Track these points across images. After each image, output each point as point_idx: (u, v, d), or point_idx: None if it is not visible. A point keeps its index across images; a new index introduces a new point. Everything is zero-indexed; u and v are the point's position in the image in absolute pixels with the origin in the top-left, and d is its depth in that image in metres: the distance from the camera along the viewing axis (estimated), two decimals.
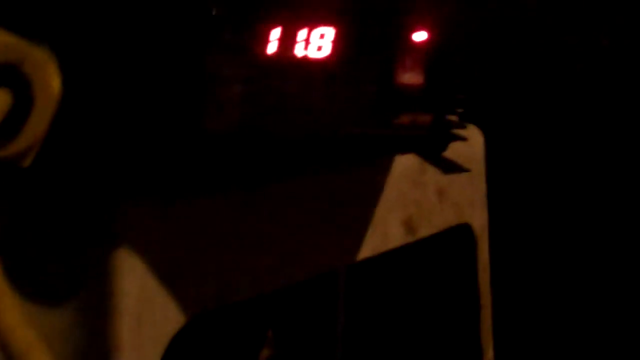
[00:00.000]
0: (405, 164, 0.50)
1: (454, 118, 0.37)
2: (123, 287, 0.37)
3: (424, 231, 0.51)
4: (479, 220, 0.56)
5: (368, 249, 0.48)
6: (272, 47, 0.35)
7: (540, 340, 0.73)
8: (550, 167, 0.74)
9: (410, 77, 0.36)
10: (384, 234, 0.49)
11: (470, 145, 0.52)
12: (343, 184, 0.47)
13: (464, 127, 0.38)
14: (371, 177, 0.49)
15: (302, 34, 0.36)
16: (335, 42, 0.36)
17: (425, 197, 0.51)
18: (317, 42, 0.36)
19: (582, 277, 0.74)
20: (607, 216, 0.73)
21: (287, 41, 0.35)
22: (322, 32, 0.36)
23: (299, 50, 0.36)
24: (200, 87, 0.35)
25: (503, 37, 0.39)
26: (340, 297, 0.59)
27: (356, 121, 0.36)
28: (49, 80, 0.30)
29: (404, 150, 0.40)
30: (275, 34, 0.35)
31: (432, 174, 0.52)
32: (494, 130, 0.55)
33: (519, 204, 0.73)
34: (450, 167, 0.39)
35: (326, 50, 0.36)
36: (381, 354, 0.60)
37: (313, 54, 0.36)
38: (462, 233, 0.55)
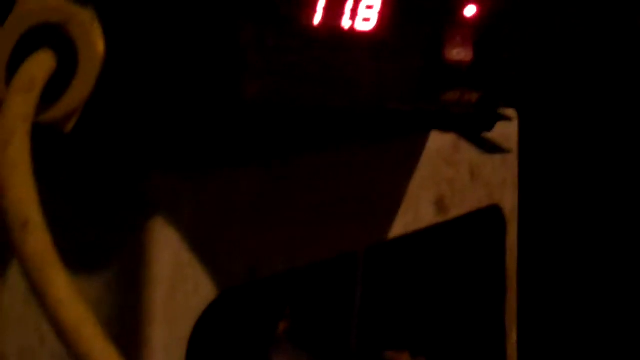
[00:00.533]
0: (439, 141, 0.49)
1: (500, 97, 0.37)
2: (158, 257, 0.37)
3: (455, 211, 0.51)
4: (509, 202, 0.55)
5: (399, 227, 0.48)
6: (317, 18, 0.34)
7: (565, 324, 0.73)
8: (583, 152, 0.73)
9: (459, 53, 0.35)
10: (416, 212, 0.48)
11: (506, 125, 0.51)
12: (377, 159, 0.46)
13: (509, 107, 0.37)
14: (405, 154, 0.48)
15: (348, 4, 0.35)
16: (382, 14, 0.35)
17: (458, 176, 0.51)
18: (364, 13, 0.35)
19: (609, 266, 0.73)
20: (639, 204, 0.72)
21: (333, 11, 0.35)
22: (369, 3, 0.35)
23: (345, 22, 0.35)
24: (241, 56, 0.34)
25: (543, 17, 0.38)
26: (359, 275, 0.59)
27: (401, 96, 0.35)
28: (94, 42, 0.30)
29: (448, 129, 0.39)
30: (321, 3, 0.34)
31: (466, 153, 0.51)
32: (528, 111, 0.54)
33: (549, 188, 0.72)
34: (492, 148, 0.38)
35: (373, 22, 0.35)
36: (400, 333, 0.60)
37: (360, 25, 0.35)
38: (491, 214, 0.54)
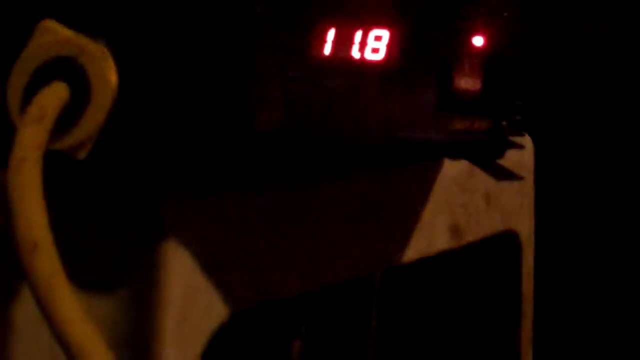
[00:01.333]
0: (453, 167, 0.50)
1: (510, 125, 0.37)
2: (170, 279, 0.38)
3: (470, 236, 0.51)
4: (525, 228, 0.55)
5: (413, 252, 0.48)
6: (327, 48, 0.35)
7: (580, 350, 0.72)
8: (598, 176, 0.72)
9: (468, 82, 0.36)
10: (430, 237, 0.49)
11: (520, 152, 0.51)
12: (390, 185, 0.47)
13: (521, 135, 0.37)
14: (419, 179, 0.48)
15: (357, 35, 0.35)
16: (390, 45, 0.36)
17: (472, 202, 0.51)
18: (373, 44, 0.36)
19: (626, 291, 0.73)
20: None
21: (343, 42, 0.35)
22: (378, 34, 0.36)
23: (355, 52, 0.35)
24: (252, 86, 0.35)
25: (554, 44, 0.38)
26: (375, 298, 0.59)
27: (411, 125, 0.36)
28: (106, 74, 0.31)
29: (459, 156, 0.39)
30: (331, 34, 0.35)
31: (481, 179, 0.51)
32: (543, 138, 0.54)
33: (565, 214, 0.72)
34: (504, 174, 0.38)
35: (382, 53, 0.36)
36: (415, 357, 0.60)
37: (369, 56, 0.36)
38: (507, 240, 0.54)
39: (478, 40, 0.36)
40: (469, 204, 0.51)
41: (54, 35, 0.30)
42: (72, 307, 0.22)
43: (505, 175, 0.40)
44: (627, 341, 0.72)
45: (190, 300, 0.39)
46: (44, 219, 0.24)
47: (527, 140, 0.53)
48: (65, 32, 0.30)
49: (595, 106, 0.59)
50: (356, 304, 0.54)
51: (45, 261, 0.23)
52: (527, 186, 0.55)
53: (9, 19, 0.32)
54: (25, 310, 0.36)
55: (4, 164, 0.38)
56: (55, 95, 0.29)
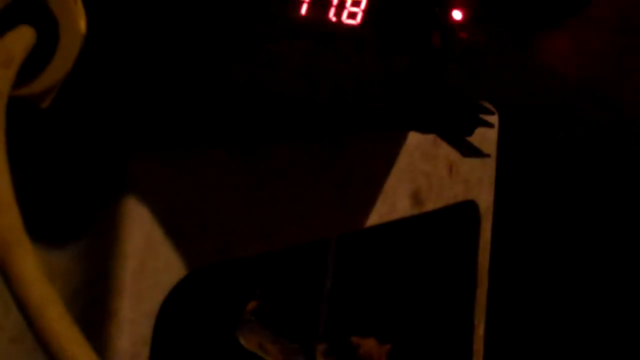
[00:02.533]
0: (419, 136, 0.50)
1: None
2: (129, 233, 0.37)
3: (431, 204, 0.51)
4: (485, 199, 0.56)
5: (374, 217, 0.48)
6: (304, 9, 0.35)
7: (532, 319, 0.74)
8: (560, 152, 0.73)
9: (443, 56, 0.35)
10: (392, 204, 0.49)
11: (484, 129, 0.51)
12: (355, 150, 0.46)
13: (492, 113, 0.37)
14: (384, 146, 0.48)
15: None
16: (368, 10, 0.35)
17: (435, 171, 0.51)
18: (350, 9, 0.35)
19: (582, 264, 0.74)
20: (613, 208, 0.73)
21: (320, 4, 0.35)
22: None
23: (332, 15, 0.35)
24: (227, 42, 0.34)
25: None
26: (331, 261, 0.59)
27: (383, 94, 0.36)
28: (75, 19, 0.30)
29: (428, 130, 0.39)
30: None
31: (444, 148, 0.51)
32: (507, 112, 0.54)
33: (525, 187, 0.73)
34: (470, 151, 0.38)
35: (359, 17, 0.35)
36: (368, 320, 0.61)
37: (346, 19, 0.35)
38: (467, 210, 0.55)
39: (457, 14, 0.36)
40: (431, 172, 0.51)
41: None
42: (32, 266, 0.22)
43: (471, 152, 0.40)
44: (579, 312, 0.74)
45: (149, 254, 0.38)
46: (6, 171, 0.23)
47: (494, 118, 0.53)
48: None
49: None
50: (312, 265, 0.54)
51: (7, 217, 0.22)
52: (490, 160, 0.55)
53: None
54: None
55: None
56: (22, 39, 0.27)
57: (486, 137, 0.53)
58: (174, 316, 0.41)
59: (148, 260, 0.38)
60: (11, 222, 0.23)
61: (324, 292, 0.56)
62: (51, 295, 0.22)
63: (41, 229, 0.36)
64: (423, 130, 0.40)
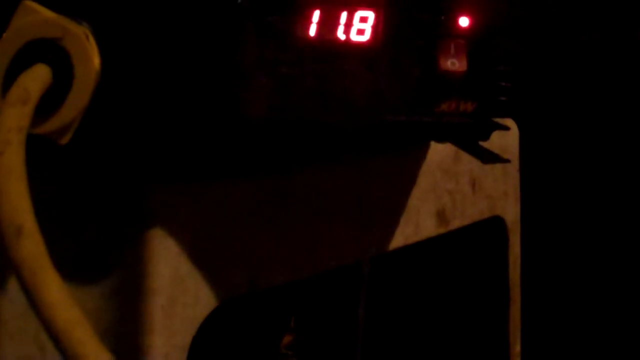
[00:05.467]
0: (439, 153, 0.50)
1: (495, 106, 0.37)
2: (157, 268, 0.37)
3: (457, 222, 0.51)
4: (511, 214, 0.55)
5: (400, 238, 0.48)
6: (312, 30, 0.35)
7: (568, 336, 0.72)
8: (583, 162, 0.73)
9: (454, 63, 0.35)
10: (417, 224, 0.49)
11: (504, 137, 0.51)
12: (377, 172, 0.46)
13: (505, 117, 0.37)
14: (405, 166, 0.48)
15: (343, 16, 0.35)
16: (376, 26, 0.35)
17: (458, 188, 0.51)
18: (359, 26, 0.35)
19: (611, 275, 0.73)
20: None
21: (328, 24, 0.35)
22: (364, 15, 0.35)
23: (340, 34, 0.35)
24: (238, 70, 0.34)
25: (540, 27, 0.38)
26: (364, 286, 0.59)
27: (397, 107, 0.36)
28: (89, 56, 0.30)
29: (445, 139, 0.39)
30: (316, 15, 0.35)
31: (467, 164, 0.51)
32: (529, 123, 0.54)
33: (551, 198, 0.72)
34: (489, 157, 0.38)
35: (367, 34, 0.35)
36: (404, 344, 0.60)
37: (355, 37, 0.35)
38: (494, 226, 0.54)
39: (464, 21, 0.36)
40: (454, 189, 0.51)
41: (36, 16, 0.29)
42: (58, 291, 0.22)
43: (490, 158, 0.40)
44: (614, 324, 0.72)
45: (177, 289, 0.38)
46: (28, 202, 0.23)
47: (512, 125, 0.53)
48: (48, 13, 0.29)
49: (581, 91, 0.59)
50: (344, 292, 0.54)
51: (31, 245, 0.22)
52: (513, 172, 0.55)
53: None
54: (11, 303, 0.35)
55: None
56: (38, 77, 0.28)
57: (507, 147, 0.53)
58: (207, 349, 0.41)
59: (177, 295, 0.38)
60: (35, 249, 0.23)
61: (358, 321, 0.55)
62: (77, 317, 0.22)
63: (69, 269, 0.37)
64: (440, 139, 0.40)
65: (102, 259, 0.37)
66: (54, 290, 0.21)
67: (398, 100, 0.36)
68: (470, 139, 0.37)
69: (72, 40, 0.30)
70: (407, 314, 0.58)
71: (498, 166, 0.51)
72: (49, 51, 0.30)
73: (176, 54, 0.34)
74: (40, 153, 0.30)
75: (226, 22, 0.34)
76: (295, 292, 0.52)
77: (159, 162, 0.38)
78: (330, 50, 0.35)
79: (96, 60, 0.31)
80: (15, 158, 0.24)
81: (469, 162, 0.51)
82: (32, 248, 0.22)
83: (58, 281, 0.22)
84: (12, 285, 0.35)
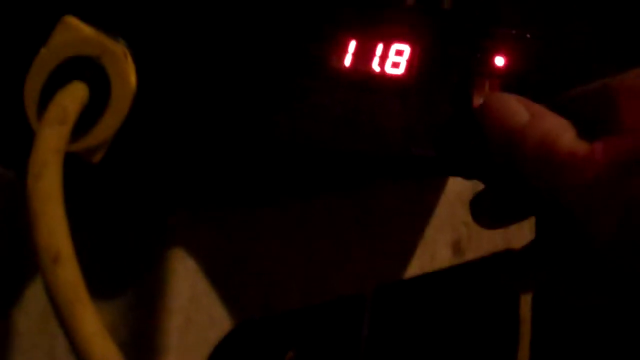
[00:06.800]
0: (458, 184, 0.49)
1: None
2: (175, 288, 0.37)
3: (471, 254, 0.51)
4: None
5: (416, 267, 0.48)
6: (348, 60, 0.35)
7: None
8: None
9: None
10: (433, 254, 0.48)
11: None
12: (396, 200, 0.46)
13: None
14: (425, 195, 0.48)
15: (379, 49, 0.35)
16: (411, 60, 0.35)
17: None
18: (394, 59, 0.35)
19: (628, 314, 0.73)
20: None
21: (364, 55, 0.35)
22: (400, 49, 0.35)
23: (375, 66, 0.35)
24: (272, 96, 0.34)
25: (575, 67, 0.38)
26: (367, 314, 0.58)
27: (427, 142, 0.35)
28: (127, 75, 0.30)
29: (472, 176, 0.39)
30: (352, 46, 0.35)
31: None
32: None
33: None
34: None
35: (402, 68, 0.35)
36: None
37: (389, 70, 0.35)
38: (507, 258, 0.54)
39: (499, 61, 0.36)
40: (471, 221, 0.50)
41: (75, 33, 0.29)
42: (94, 323, 0.21)
43: None
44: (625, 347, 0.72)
45: (194, 309, 0.38)
46: (66, 228, 0.23)
47: None
48: (87, 31, 0.29)
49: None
50: (348, 318, 0.54)
51: (68, 272, 0.22)
52: None
53: (28, 14, 0.31)
54: (27, 317, 0.35)
55: (8, 163, 0.37)
56: (76, 96, 0.28)
57: None
58: None
59: (193, 315, 0.38)
60: (72, 277, 0.22)
61: (361, 347, 0.55)
62: (112, 350, 0.21)
63: (88, 283, 0.36)
64: (467, 176, 0.40)
65: (122, 275, 0.37)
66: (91, 322, 0.21)
67: (428, 135, 0.36)
68: (498, 177, 0.37)
69: (110, 58, 0.29)
70: (412, 342, 0.58)
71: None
72: (87, 68, 0.29)
73: (210, 79, 0.33)
74: (71, 171, 0.30)
75: (262, 46, 0.33)
76: (300, 316, 0.52)
77: (184, 185, 0.38)
78: (364, 81, 0.35)
79: (133, 80, 0.30)
80: (53, 181, 0.24)
81: None
82: (68, 277, 0.22)
83: (94, 312, 0.22)
84: (28, 300, 0.35)
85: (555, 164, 0.31)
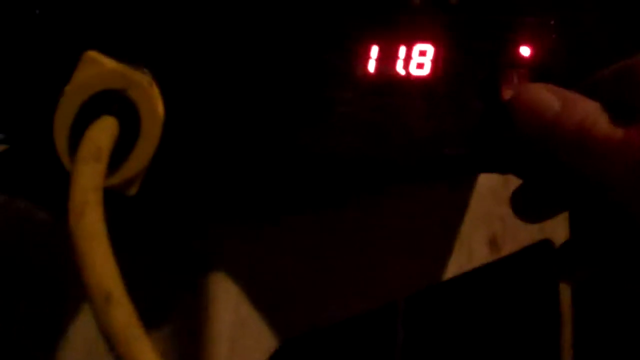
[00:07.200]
0: (489, 178, 0.49)
1: None
2: (217, 312, 0.36)
3: (509, 248, 0.50)
4: (560, 235, 0.54)
5: (454, 267, 0.47)
6: (371, 66, 0.34)
7: (622, 357, 0.71)
8: None
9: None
10: (470, 251, 0.48)
11: None
12: (430, 201, 0.46)
13: None
14: (458, 193, 0.47)
15: (401, 51, 0.34)
16: (436, 59, 0.35)
17: (509, 213, 0.50)
18: (418, 60, 0.35)
19: None
20: None
21: (387, 59, 0.34)
22: (422, 49, 0.35)
23: (399, 69, 0.34)
24: (299, 108, 0.34)
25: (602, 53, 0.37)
26: (400, 321, 0.58)
27: (459, 141, 0.35)
28: (155, 105, 0.30)
29: (508, 171, 0.38)
30: (374, 51, 0.34)
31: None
32: None
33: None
34: None
35: (427, 68, 0.35)
36: None
37: (414, 71, 0.35)
38: (543, 249, 0.53)
39: (525, 51, 0.35)
40: (505, 215, 0.50)
41: (100, 67, 0.28)
42: (153, 357, 0.21)
43: None
44: None
45: (238, 333, 0.37)
46: (114, 267, 0.23)
47: None
48: (111, 64, 0.29)
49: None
50: (382, 326, 0.53)
51: (121, 311, 0.22)
52: None
53: (49, 50, 0.31)
54: (72, 351, 0.34)
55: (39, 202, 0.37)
56: (107, 131, 0.27)
57: None
58: None
59: (238, 339, 0.37)
60: (126, 318, 0.22)
61: (396, 350, 0.54)
62: None
63: None
64: (501, 171, 0.40)
65: (165, 303, 0.36)
66: (151, 359, 0.21)
67: (460, 134, 0.35)
68: (531, 169, 0.36)
69: (137, 90, 0.29)
70: (454, 340, 0.57)
71: None
72: (114, 102, 0.29)
73: (236, 98, 0.33)
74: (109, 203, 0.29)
75: (285, 61, 0.33)
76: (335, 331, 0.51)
77: (218, 204, 0.37)
78: (390, 85, 0.34)
79: (161, 108, 0.30)
80: (96, 219, 0.24)
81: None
82: (123, 317, 0.21)
83: (152, 348, 0.21)
84: (73, 333, 0.35)
85: (593, 150, 0.31)
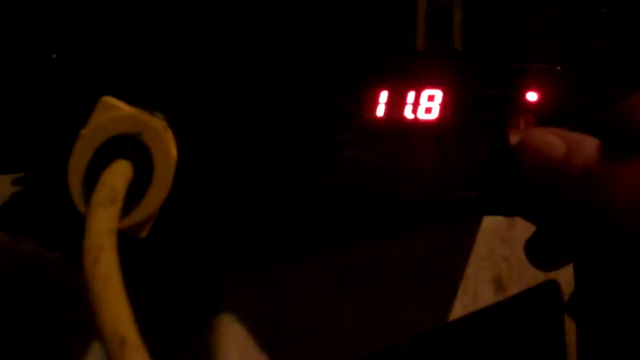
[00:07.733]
0: (492, 220, 0.49)
1: None
2: (225, 354, 0.36)
3: (514, 289, 0.50)
4: (565, 276, 0.54)
5: (459, 308, 0.47)
6: (380, 110, 0.35)
7: None
8: None
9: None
10: (475, 292, 0.48)
11: None
12: (435, 242, 0.46)
13: None
14: (462, 234, 0.48)
15: (410, 96, 0.35)
16: (444, 104, 0.35)
17: (514, 254, 0.50)
18: (426, 104, 0.35)
19: None
20: None
21: (396, 104, 0.35)
22: (431, 94, 0.35)
23: (408, 113, 0.35)
24: (304, 154, 0.34)
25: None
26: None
27: (467, 184, 0.35)
28: (168, 150, 0.30)
29: (515, 214, 0.39)
30: (383, 96, 0.35)
31: (521, 230, 0.51)
32: None
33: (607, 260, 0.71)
34: None
35: (435, 112, 0.35)
36: None
37: (422, 116, 0.35)
38: (548, 290, 0.54)
39: (532, 96, 0.35)
40: (510, 256, 0.50)
41: (116, 113, 0.29)
42: None
43: None
44: None
45: None
46: (129, 311, 0.23)
47: None
48: (127, 109, 0.29)
49: None
50: None
51: (137, 357, 0.22)
52: None
53: (65, 93, 0.31)
54: None
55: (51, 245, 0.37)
56: (122, 174, 0.28)
57: None
58: None
59: None
60: None
61: None
62: None
63: None
64: (509, 214, 0.40)
65: (173, 344, 0.36)
66: None
67: (468, 177, 0.35)
68: (539, 213, 0.37)
69: (151, 134, 0.29)
70: None
71: None
72: (128, 145, 0.29)
73: (248, 142, 0.33)
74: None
75: (294, 107, 0.34)
76: None
77: (227, 247, 0.38)
78: (399, 129, 0.35)
79: (174, 152, 0.30)
80: (111, 264, 0.24)
81: (522, 226, 0.50)
82: None
83: None
84: None
85: (601, 187, 0.31)
